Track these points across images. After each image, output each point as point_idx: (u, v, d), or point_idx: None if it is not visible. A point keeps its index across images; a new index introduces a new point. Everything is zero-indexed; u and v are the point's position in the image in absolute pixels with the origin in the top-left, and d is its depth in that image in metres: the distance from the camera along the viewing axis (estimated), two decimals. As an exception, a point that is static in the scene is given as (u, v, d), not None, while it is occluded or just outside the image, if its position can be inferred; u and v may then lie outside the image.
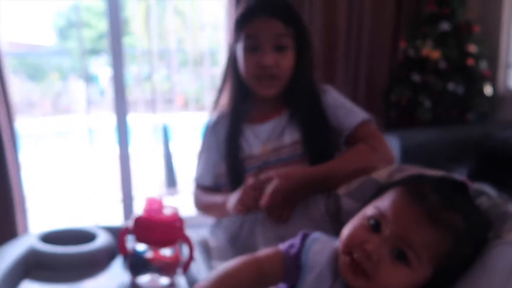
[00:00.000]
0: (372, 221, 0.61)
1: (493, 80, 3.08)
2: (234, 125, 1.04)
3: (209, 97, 3.80)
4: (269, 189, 0.87)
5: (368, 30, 3.15)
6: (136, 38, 3.60)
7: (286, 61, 0.99)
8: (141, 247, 0.67)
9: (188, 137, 3.98)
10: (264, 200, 0.86)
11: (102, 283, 0.68)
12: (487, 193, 0.68)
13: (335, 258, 0.63)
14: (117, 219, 2.86)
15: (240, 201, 0.89)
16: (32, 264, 0.69)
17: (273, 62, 0.97)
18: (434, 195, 0.59)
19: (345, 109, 1.04)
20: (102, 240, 0.75)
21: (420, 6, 3.14)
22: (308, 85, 1.04)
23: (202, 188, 1.12)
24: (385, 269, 0.57)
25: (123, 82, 2.74)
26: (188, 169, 3.79)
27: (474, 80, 2.93)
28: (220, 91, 1.10)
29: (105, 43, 2.96)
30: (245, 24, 0.99)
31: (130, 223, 0.67)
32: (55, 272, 0.69)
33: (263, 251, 0.67)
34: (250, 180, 0.91)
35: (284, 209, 0.89)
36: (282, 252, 0.65)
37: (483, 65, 2.96)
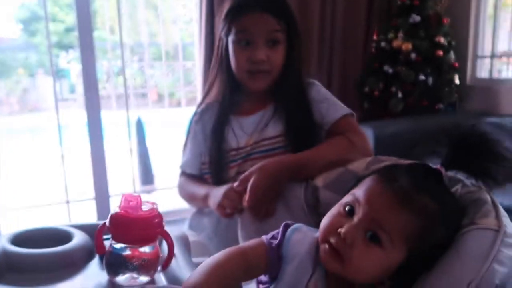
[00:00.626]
0: (347, 207, 0.63)
1: (461, 71, 3.18)
2: (221, 116, 1.06)
3: (182, 91, 3.75)
4: (248, 188, 0.87)
5: (341, 22, 3.17)
6: (106, 32, 3.50)
7: (278, 56, 1.00)
8: (118, 245, 0.65)
9: (163, 132, 3.93)
10: (247, 202, 0.86)
11: (79, 285, 0.66)
12: (462, 180, 0.70)
13: (315, 248, 0.65)
14: (91, 218, 2.80)
15: (222, 206, 0.91)
16: (3, 267, 0.66)
17: (265, 57, 0.98)
18: (406, 179, 0.61)
19: (328, 103, 1.06)
20: (78, 239, 0.72)
21: (391, -1, 3.19)
22: (296, 79, 1.05)
23: (187, 175, 1.14)
24: (359, 251, 0.59)
25: (95, 77, 2.66)
26: (164, 166, 3.75)
27: (443, 71, 3.01)
28: (211, 82, 1.11)
29: (73, 37, 2.86)
30: (237, 17, 0.99)
31: (107, 221, 0.65)
32: (28, 275, 0.66)
33: (247, 243, 0.67)
34: (231, 185, 0.93)
35: (267, 203, 0.88)
36: (265, 243, 0.66)
37: (452, 56, 3.04)
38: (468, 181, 0.70)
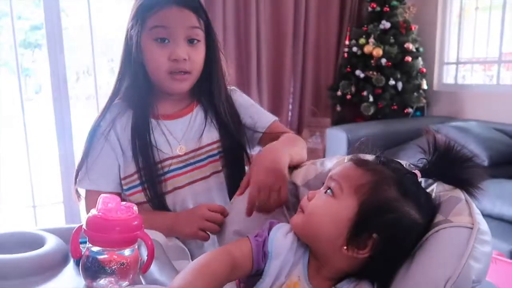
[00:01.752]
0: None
1: (428, 77, 3.29)
2: (142, 120, 0.95)
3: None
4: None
5: (314, 28, 3.23)
6: (74, 29, 3.40)
7: (199, 55, 0.95)
8: (95, 248, 0.63)
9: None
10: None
11: (53, 290, 0.63)
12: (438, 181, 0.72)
13: (296, 244, 0.68)
14: (59, 222, 2.70)
15: (202, 231, 0.88)
16: (-30, 275, 0.63)
17: (186, 55, 0.91)
18: (374, 160, 0.69)
19: (256, 108, 1.08)
20: (51, 243, 0.69)
21: (362, 5, 3.27)
22: (218, 81, 1.01)
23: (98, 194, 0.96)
24: (315, 201, 0.67)
25: (64, 76, 2.58)
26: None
27: (412, 76, 3.11)
28: (116, 87, 0.99)
29: (39, 35, 2.77)
30: (152, 12, 0.91)
31: (83, 224, 0.63)
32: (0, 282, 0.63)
33: (232, 242, 0.67)
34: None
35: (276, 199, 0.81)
36: (250, 242, 0.67)
37: (420, 62, 3.15)
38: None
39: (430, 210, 0.66)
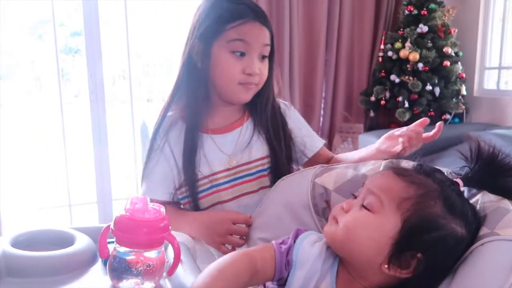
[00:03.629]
0: (353, 195, 0.67)
1: (468, 82, 3.16)
2: (191, 136, 0.97)
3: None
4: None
5: (348, 31, 3.17)
6: (111, 34, 3.51)
7: (266, 70, 0.99)
8: (122, 249, 0.62)
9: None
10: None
11: (81, 289, 0.63)
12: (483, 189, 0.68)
13: (324, 253, 0.65)
14: (93, 222, 2.77)
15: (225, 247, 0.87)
16: (3, 270, 0.64)
17: (258, 70, 0.95)
18: (415, 169, 0.65)
19: (307, 130, 1.09)
20: (81, 242, 0.70)
21: (398, 8, 3.19)
22: (271, 94, 1.04)
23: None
24: (352, 213, 0.63)
25: (101, 81, 2.66)
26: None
27: (450, 81, 3.00)
28: (176, 90, 1.01)
29: (79, 41, 2.87)
30: (235, 24, 0.92)
31: (111, 224, 0.63)
32: (28, 278, 0.63)
33: (256, 247, 0.66)
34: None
35: None
36: (274, 248, 0.65)
37: (459, 67, 3.03)
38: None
39: (476, 223, 0.62)
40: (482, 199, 0.66)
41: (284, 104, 1.09)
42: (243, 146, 1.00)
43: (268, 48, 0.98)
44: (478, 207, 0.65)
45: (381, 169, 0.79)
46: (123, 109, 3.33)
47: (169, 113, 1.02)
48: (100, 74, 2.66)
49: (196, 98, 0.97)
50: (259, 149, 1.00)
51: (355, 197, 0.66)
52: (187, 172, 0.96)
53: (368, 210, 0.61)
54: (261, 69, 0.96)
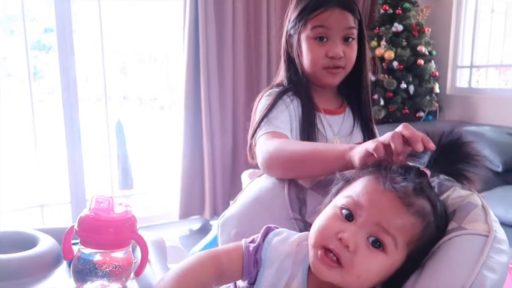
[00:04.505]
0: (345, 211, 0.59)
1: (441, 80, 3.23)
2: (309, 109, 1.01)
3: (165, 95, 3.70)
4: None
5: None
6: (86, 31, 3.42)
7: (352, 52, 1.01)
8: (88, 250, 0.60)
9: (144, 136, 3.85)
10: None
11: (44, 293, 0.61)
12: (454, 185, 0.68)
13: (295, 251, 0.62)
14: (66, 223, 2.70)
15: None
16: (-40, 275, 0.61)
17: (342, 53, 0.99)
18: (404, 181, 0.58)
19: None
20: (44, 244, 0.67)
21: (374, 7, 3.22)
22: (366, 80, 1.07)
23: (278, 135, 0.92)
24: (362, 258, 0.56)
25: (74, 78, 2.59)
26: (144, 170, 3.67)
27: (424, 80, 3.05)
28: (285, 73, 1.07)
29: (52, 38, 2.79)
30: (315, 13, 0.98)
31: (75, 224, 0.60)
32: (-12, 282, 0.61)
33: (224, 246, 0.64)
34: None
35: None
36: (242, 247, 0.63)
37: (433, 65, 3.09)
38: (459, 186, 0.68)
39: (446, 220, 0.63)
40: (452, 195, 0.66)
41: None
42: (346, 132, 1.05)
43: (353, 31, 1.00)
44: (448, 202, 0.66)
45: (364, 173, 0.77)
46: (98, 107, 3.26)
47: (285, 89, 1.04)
48: (72, 71, 2.60)
49: (301, 80, 1.03)
50: (358, 139, 1.05)
51: (348, 214, 0.59)
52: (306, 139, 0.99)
53: (378, 248, 0.56)
54: (346, 51, 0.99)
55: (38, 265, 0.64)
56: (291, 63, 1.05)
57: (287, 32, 1.06)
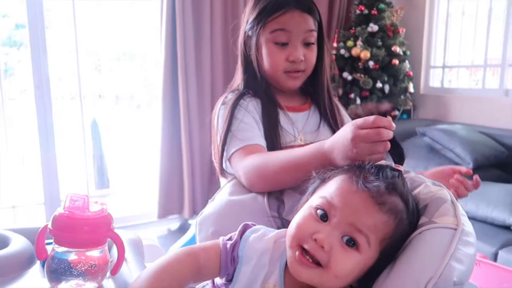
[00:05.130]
0: (320, 211, 0.60)
1: (415, 80, 3.31)
2: (270, 106, 1.00)
3: (142, 94, 3.65)
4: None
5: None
6: (60, 30, 3.34)
7: (312, 56, 1.01)
8: (62, 249, 0.59)
9: (120, 135, 3.79)
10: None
11: (17, 293, 0.60)
12: (425, 182, 0.71)
13: (272, 248, 0.63)
14: (40, 224, 2.63)
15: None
16: None
17: (302, 56, 0.98)
18: (377, 180, 0.60)
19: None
20: (16, 244, 0.66)
21: (350, 7, 3.27)
22: (326, 79, 1.07)
23: (249, 152, 0.90)
24: (337, 257, 0.57)
25: (46, 76, 2.52)
26: (121, 169, 3.62)
27: (398, 79, 3.12)
28: (241, 76, 1.06)
29: (22, 35, 2.71)
30: (275, 15, 0.96)
31: (49, 223, 0.59)
32: (-43, 284, 0.59)
33: (201, 244, 0.64)
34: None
35: None
36: (219, 244, 0.64)
37: (407, 65, 3.16)
38: (430, 182, 0.71)
39: (417, 216, 0.65)
40: (423, 190, 0.69)
41: (337, 101, 1.14)
42: (312, 128, 1.04)
43: (313, 34, 0.99)
44: (419, 198, 0.68)
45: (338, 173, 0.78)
46: (72, 105, 3.19)
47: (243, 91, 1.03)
48: (45, 68, 2.53)
49: (260, 82, 1.02)
50: (326, 135, 1.02)
51: (323, 214, 0.60)
52: (272, 137, 0.97)
53: (352, 247, 0.57)
54: (307, 55, 0.99)
55: (10, 265, 0.63)
56: (249, 65, 1.03)
57: (245, 33, 1.03)
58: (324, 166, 0.70)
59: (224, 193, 0.90)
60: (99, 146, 3.21)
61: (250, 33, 1.01)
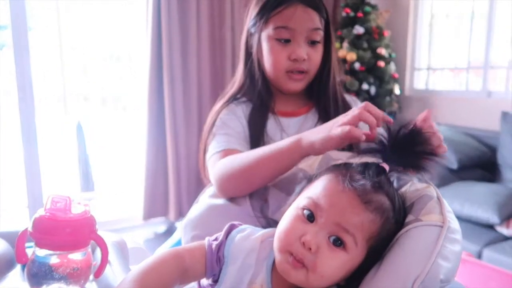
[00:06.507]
0: (306, 212, 0.60)
1: (400, 82, 3.34)
2: (258, 111, 0.95)
3: (126, 95, 3.61)
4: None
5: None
6: (44, 31, 3.29)
7: (317, 55, 0.94)
8: (43, 252, 0.58)
9: (105, 137, 3.74)
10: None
11: (-4, 299, 0.58)
12: (411, 180, 0.71)
13: (258, 247, 0.63)
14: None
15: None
16: None
17: (305, 55, 0.91)
18: (363, 178, 0.60)
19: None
20: (-5, 248, 0.64)
21: (337, 9, 3.30)
22: (334, 83, 0.99)
23: (225, 154, 0.88)
24: (324, 257, 0.57)
25: (29, 77, 2.48)
26: (106, 172, 3.57)
27: (384, 81, 3.16)
28: (236, 80, 1.01)
29: (5, 36, 2.66)
30: (277, 10, 0.90)
31: (29, 225, 0.58)
32: None
33: (187, 245, 0.63)
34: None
35: None
36: (205, 245, 0.63)
37: (392, 67, 3.20)
38: (416, 180, 0.71)
39: (403, 214, 0.65)
40: (410, 189, 0.69)
41: (350, 97, 1.04)
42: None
43: (319, 33, 0.92)
44: (406, 196, 0.68)
45: (316, 164, 0.79)
46: (57, 108, 3.14)
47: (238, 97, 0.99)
48: (28, 70, 2.49)
49: (258, 83, 0.96)
50: None
51: (309, 214, 0.59)
52: (254, 144, 0.92)
53: (339, 247, 0.57)
54: (310, 54, 0.92)
55: (-11, 270, 0.61)
56: (251, 65, 0.98)
57: (247, 32, 0.98)
58: (295, 154, 0.70)
59: (206, 196, 0.89)
60: (84, 149, 3.17)
61: (252, 30, 0.96)
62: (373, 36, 3.11)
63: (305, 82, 0.95)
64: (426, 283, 0.56)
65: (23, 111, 2.50)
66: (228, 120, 0.94)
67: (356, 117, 0.68)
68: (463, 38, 3.17)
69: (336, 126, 0.69)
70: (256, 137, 0.93)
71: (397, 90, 3.23)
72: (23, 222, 2.59)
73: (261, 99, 0.96)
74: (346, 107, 0.99)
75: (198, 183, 2.90)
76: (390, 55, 3.19)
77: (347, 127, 0.67)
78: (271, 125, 0.95)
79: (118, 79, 3.57)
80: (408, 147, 0.64)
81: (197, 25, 2.79)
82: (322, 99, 0.98)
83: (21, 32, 2.45)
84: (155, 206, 2.84)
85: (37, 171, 2.54)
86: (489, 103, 2.94)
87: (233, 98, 0.99)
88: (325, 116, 0.97)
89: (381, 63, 3.09)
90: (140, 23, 2.73)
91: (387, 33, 3.17)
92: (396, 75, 3.23)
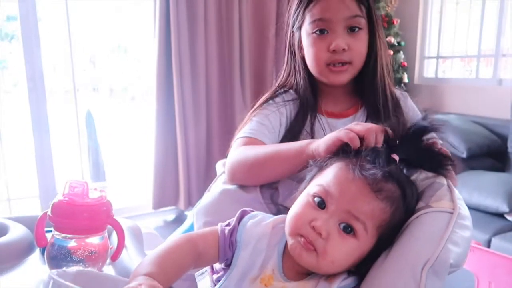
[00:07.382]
0: (317, 199, 0.61)
1: (410, 71, 3.32)
2: (304, 110, 0.91)
3: (135, 86, 3.63)
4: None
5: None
6: (53, 22, 3.31)
7: (360, 44, 0.88)
8: (62, 236, 0.60)
9: (115, 127, 3.78)
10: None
11: (18, 281, 0.60)
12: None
13: (269, 232, 0.64)
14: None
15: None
16: None
17: (345, 45, 0.86)
18: (373, 167, 0.60)
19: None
20: (15, 232, 0.66)
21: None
22: (382, 74, 0.93)
23: (255, 142, 0.87)
24: (334, 243, 0.58)
25: (40, 68, 2.50)
26: (116, 162, 3.61)
27: (393, 70, 3.13)
28: (284, 76, 0.98)
29: (14, 27, 2.68)
30: (311, 5, 0.88)
31: (48, 210, 0.60)
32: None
33: (200, 230, 0.65)
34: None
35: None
36: (218, 230, 0.64)
37: (402, 56, 3.17)
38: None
39: (415, 202, 0.65)
40: (419, 176, 0.69)
41: (400, 93, 0.98)
42: None
43: (358, 20, 0.87)
44: (416, 184, 0.69)
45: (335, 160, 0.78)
46: (67, 98, 3.17)
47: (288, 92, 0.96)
48: (38, 61, 2.51)
49: (304, 82, 0.93)
50: None
51: (320, 201, 0.60)
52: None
53: (349, 234, 0.58)
54: (351, 43, 0.86)
55: (10, 252, 0.63)
56: (294, 63, 0.95)
57: (291, 33, 0.96)
58: (300, 162, 0.70)
59: (219, 182, 0.90)
60: (94, 138, 3.20)
61: (294, 29, 0.94)
62: (382, 25, 3.08)
63: (350, 74, 0.90)
64: (436, 267, 0.57)
65: (33, 102, 2.52)
66: (270, 113, 0.92)
67: (362, 131, 0.66)
68: (474, 26, 3.13)
69: (343, 129, 0.68)
70: (293, 136, 0.90)
71: (406, 79, 3.21)
72: (34, 212, 2.64)
73: (307, 98, 0.93)
74: (396, 104, 0.94)
75: (207, 172, 2.93)
76: (399, 43, 3.16)
77: (351, 133, 0.66)
78: (318, 125, 0.92)
79: (126, 69, 3.59)
80: (418, 144, 0.65)
81: (205, 15, 2.78)
82: (370, 95, 0.92)
83: (30, 23, 2.46)
84: (164, 196, 2.87)
85: (48, 161, 2.58)
86: (499, 91, 2.90)
87: (282, 91, 0.96)
88: (374, 113, 0.92)
89: (390, 52, 3.07)
90: (148, 14, 2.73)
91: (396, 22, 3.14)
92: (405, 64, 3.20)
